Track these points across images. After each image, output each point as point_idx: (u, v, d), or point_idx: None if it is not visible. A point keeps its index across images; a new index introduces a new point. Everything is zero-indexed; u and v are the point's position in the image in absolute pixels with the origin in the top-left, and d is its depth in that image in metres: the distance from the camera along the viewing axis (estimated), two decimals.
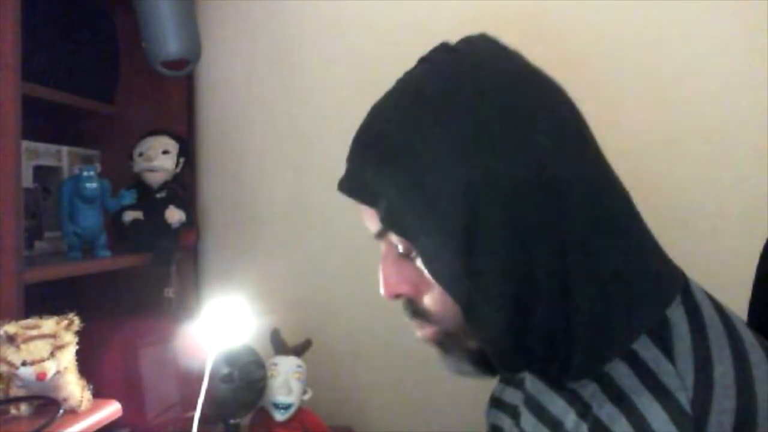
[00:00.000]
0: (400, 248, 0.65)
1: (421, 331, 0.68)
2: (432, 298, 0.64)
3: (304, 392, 1.32)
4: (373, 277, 1.63)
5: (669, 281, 0.64)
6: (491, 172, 0.58)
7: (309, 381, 1.33)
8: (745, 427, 0.55)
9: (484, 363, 0.66)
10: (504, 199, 0.58)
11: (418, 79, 0.65)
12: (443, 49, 0.66)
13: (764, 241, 0.79)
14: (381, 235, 0.66)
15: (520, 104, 0.60)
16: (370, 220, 0.66)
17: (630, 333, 0.60)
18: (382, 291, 0.68)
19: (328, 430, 1.34)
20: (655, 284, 0.62)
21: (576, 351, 0.61)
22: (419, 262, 0.64)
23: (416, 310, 0.67)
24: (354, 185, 0.66)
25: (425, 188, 0.59)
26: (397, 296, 0.67)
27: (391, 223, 0.63)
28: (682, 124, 1.43)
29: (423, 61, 0.66)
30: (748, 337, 0.61)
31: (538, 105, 0.61)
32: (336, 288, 1.53)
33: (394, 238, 0.64)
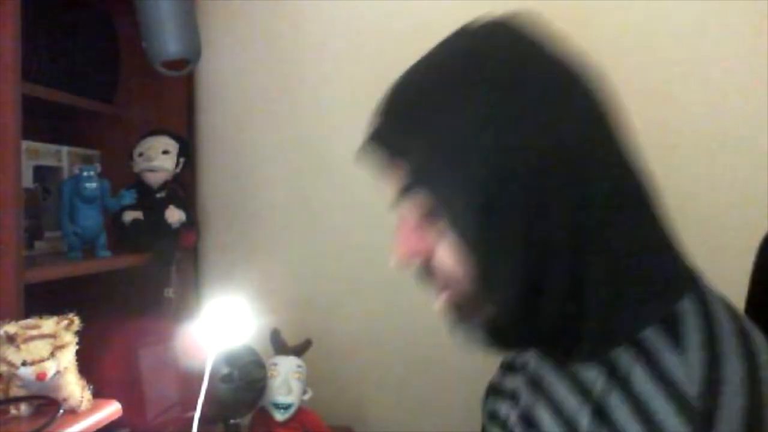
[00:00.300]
0: (421, 210, 0.65)
1: (438, 298, 0.68)
2: (448, 261, 0.64)
3: (304, 392, 1.32)
4: (373, 278, 1.64)
5: (684, 275, 0.64)
6: (521, 138, 0.59)
7: (309, 381, 1.33)
8: (756, 426, 0.55)
9: (495, 333, 0.66)
10: (530, 166, 0.59)
11: (453, 46, 0.66)
12: (485, 19, 0.67)
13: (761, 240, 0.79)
14: (403, 195, 0.66)
15: (556, 79, 0.62)
16: (395, 177, 0.66)
17: (640, 321, 0.60)
18: (396, 256, 0.68)
19: (328, 430, 1.34)
20: (669, 276, 0.63)
21: (584, 332, 0.61)
22: (440, 223, 0.64)
23: (431, 275, 0.67)
24: (381, 143, 0.66)
25: (456, 146, 0.60)
26: (412, 260, 0.68)
27: (418, 177, 0.63)
28: (681, 124, 1.43)
29: (462, 29, 0.67)
30: (758, 337, 0.61)
31: (573, 84, 0.62)
32: (336, 288, 1.53)
33: (416, 198, 0.65)
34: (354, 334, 1.53)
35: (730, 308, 0.63)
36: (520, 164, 0.59)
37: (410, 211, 0.66)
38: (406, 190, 0.65)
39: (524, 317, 0.62)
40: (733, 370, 0.57)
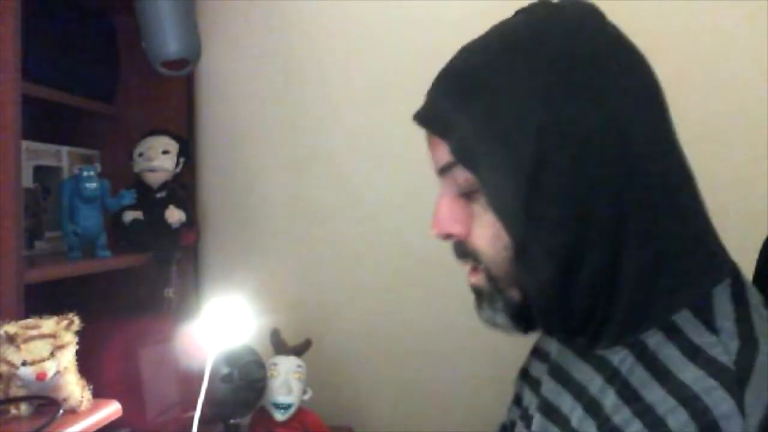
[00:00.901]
0: (462, 186, 0.65)
1: (472, 276, 0.68)
2: (484, 239, 0.65)
3: (304, 392, 1.32)
4: (372, 278, 1.64)
5: (721, 263, 0.64)
6: (565, 118, 0.59)
7: (309, 381, 1.33)
8: None
9: (521, 317, 0.66)
10: (573, 147, 0.59)
11: (511, 25, 0.66)
12: (542, 3, 0.67)
13: (763, 241, 0.79)
14: (446, 169, 0.66)
15: (605, 62, 0.62)
16: (439, 153, 0.67)
17: (672, 304, 0.60)
18: (433, 229, 0.68)
19: (328, 430, 1.34)
20: (706, 263, 0.62)
21: (615, 313, 0.61)
22: (479, 203, 0.64)
23: (466, 252, 0.67)
24: (431, 116, 0.67)
25: (500, 124, 0.61)
26: (448, 236, 0.68)
27: (461, 155, 0.64)
28: (681, 124, 1.43)
29: (520, 11, 0.68)
30: None
31: (623, 67, 0.63)
32: (336, 288, 1.53)
33: (459, 174, 0.65)
34: (354, 334, 1.53)
35: (763, 296, 0.63)
36: (569, 140, 0.59)
37: (450, 187, 0.67)
38: (448, 167, 0.66)
39: (557, 298, 0.62)
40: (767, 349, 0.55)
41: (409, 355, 1.50)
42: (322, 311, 1.53)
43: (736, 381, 0.53)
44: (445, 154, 0.66)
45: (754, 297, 0.62)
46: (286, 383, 1.29)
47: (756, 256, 0.80)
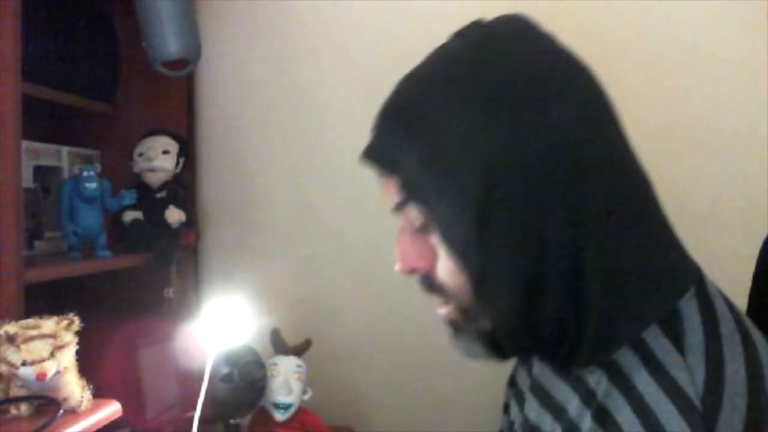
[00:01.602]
0: (418, 222, 0.65)
1: (443, 308, 0.68)
2: (446, 272, 0.64)
3: (304, 392, 1.32)
4: (373, 278, 1.64)
5: (684, 273, 0.63)
6: (511, 145, 0.58)
7: (309, 381, 1.33)
8: (756, 426, 0.55)
9: (495, 345, 0.66)
10: (521, 174, 0.58)
11: (446, 53, 0.65)
12: (476, 25, 0.66)
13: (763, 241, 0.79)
14: (400, 206, 0.66)
15: (545, 81, 0.60)
16: (390, 191, 0.66)
17: (640, 321, 0.60)
18: (397, 266, 0.68)
19: (328, 430, 1.34)
20: (669, 274, 0.62)
21: (585, 335, 0.60)
22: (435, 236, 0.64)
23: (432, 285, 0.67)
24: (377, 154, 0.66)
25: (444, 158, 0.60)
26: (413, 271, 0.68)
27: (410, 192, 0.63)
28: (681, 124, 1.43)
29: (455, 35, 0.67)
30: (758, 337, 0.61)
31: (564, 83, 0.61)
32: (336, 288, 1.53)
33: (412, 210, 0.65)
34: (354, 334, 1.53)
35: (731, 306, 0.63)
36: (515, 169, 0.58)
37: (406, 223, 0.66)
38: (400, 205, 0.65)
39: (523, 327, 0.61)
40: (734, 369, 0.57)
41: (409, 355, 1.50)
42: (322, 311, 1.53)
43: (702, 423, 0.54)
44: (395, 191, 0.65)
45: (719, 303, 0.62)
46: (286, 383, 1.29)
47: (756, 256, 0.80)
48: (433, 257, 0.65)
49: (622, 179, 0.61)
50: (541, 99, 0.59)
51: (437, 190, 0.61)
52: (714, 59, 1.42)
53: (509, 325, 0.62)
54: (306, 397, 1.32)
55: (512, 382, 0.81)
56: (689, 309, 0.60)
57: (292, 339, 1.36)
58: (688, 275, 0.63)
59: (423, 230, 0.65)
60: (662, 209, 0.65)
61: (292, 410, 1.29)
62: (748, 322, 0.62)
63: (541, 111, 0.59)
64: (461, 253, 0.61)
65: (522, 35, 0.64)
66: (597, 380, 0.60)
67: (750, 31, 1.41)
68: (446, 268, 0.64)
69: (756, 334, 0.61)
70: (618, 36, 1.44)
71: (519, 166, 0.58)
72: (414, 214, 0.64)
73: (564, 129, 0.58)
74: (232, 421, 1.26)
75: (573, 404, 0.62)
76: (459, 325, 0.67)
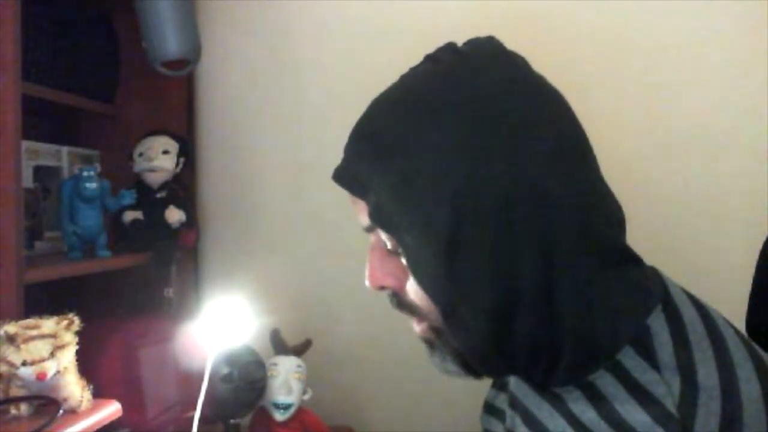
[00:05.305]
0: (389, 243, 0.65)
1: (417, 326, 0.68)
2: (416, 294, 0.64)
3: (304, 392, 1.32)
4: None
5: (650, 291, 0.63)
6: (480, 179, 0.58)
7: (309, 381, 1.33)
8: (732, 427, 0.56)
9: (467, 365, 0.66)
10: (491, 208, 0.58)
11: (419, 78, 0.65)
12: (448, 49, 0.66)
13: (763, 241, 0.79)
14: (370, 229, 0.66)
15: (517, 113, 0.60)
16: (360, 212, 0.67)
17: (614, 344, 0.60)
18: (367, 282, 0.69)
19: (328, 430, 1.34)
20: (636, 295, 0.62)
21: (560, 360, 0.61)
22: (402, 263, 0.64)
23: (401, 303, 0.67)
24: (347, 177, 0.66)
25: (413, 188, 0.59)
26: (382, 288, 0.68)
27: (378, 218, 0.63)
28: (682, 124, 1.43)
29: (427, 59, 0.67)
30: (731, 336, 0.61)
31: (535, 115, 0.61)
32: (336, 288, 1.53)
33: (381, 234, 0.65)
34: (354, 334, 1.53)
35: (699, 308, 0.63)
36: (484, 203, 0.57)
37: (377, 242, 0.67)
38: (369, 229, 0.66)
39: (495, 353, 0.62)
40: (706, 374, 0.57)
41: (409, 355, 1.49)
42: (323, 311, 1.53)
43: (681, 429, 0.55)
44: (365, 215, 0.65)
45: (687, 312, 0.62)
46: (286, 383, 1.29)
47: (756, 256, 0.80)
48: (404, 276, 0.65)
49: (590, 213, 0.61)
50: (511, 136, 0.59)
51: (407, 221, 0.61)
52: (714, 59, 1.42)
53: (480, 352, 0.62)
54: (306, 397, 1.32)
55: (489, 409, 0.81)
56: (658, 324, 0.61)
57: (292, 339, 1.36)
58: (653, 291, 0.63)
59: (393, 253, 0.65)
60: (624, 232, 0.65)
61: (292, 410, 1.29)
62: (719, 321, 0.63)
63: (510, 148, 0.58)
64: (430, 285, 0.62)
65: (494, 64, 0.63)
66: (575, 399, 0.61)
67: (750, 31, 1.41)
68: (416, 291, 0.64)
69: (727, 332, 0.62)
70: (616, 38, 1.43)
71: (487, 201, 0.58)
72: (385, 236, 0.65)
73: (532, 166, 0.58)
74: (232, 421, 1.26)
75: (553, 424, 0.63)
76: (433, 344, 0.67)
